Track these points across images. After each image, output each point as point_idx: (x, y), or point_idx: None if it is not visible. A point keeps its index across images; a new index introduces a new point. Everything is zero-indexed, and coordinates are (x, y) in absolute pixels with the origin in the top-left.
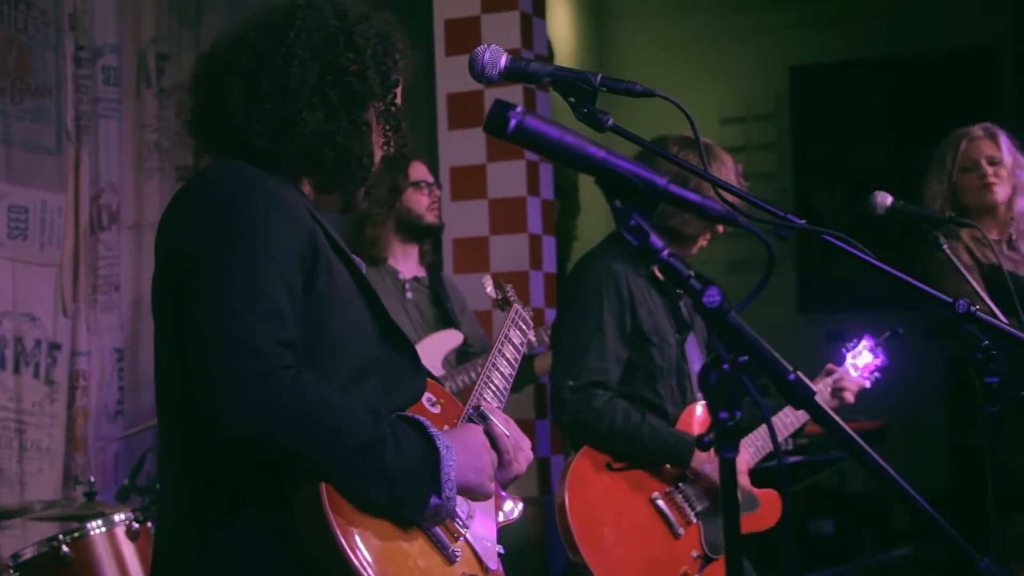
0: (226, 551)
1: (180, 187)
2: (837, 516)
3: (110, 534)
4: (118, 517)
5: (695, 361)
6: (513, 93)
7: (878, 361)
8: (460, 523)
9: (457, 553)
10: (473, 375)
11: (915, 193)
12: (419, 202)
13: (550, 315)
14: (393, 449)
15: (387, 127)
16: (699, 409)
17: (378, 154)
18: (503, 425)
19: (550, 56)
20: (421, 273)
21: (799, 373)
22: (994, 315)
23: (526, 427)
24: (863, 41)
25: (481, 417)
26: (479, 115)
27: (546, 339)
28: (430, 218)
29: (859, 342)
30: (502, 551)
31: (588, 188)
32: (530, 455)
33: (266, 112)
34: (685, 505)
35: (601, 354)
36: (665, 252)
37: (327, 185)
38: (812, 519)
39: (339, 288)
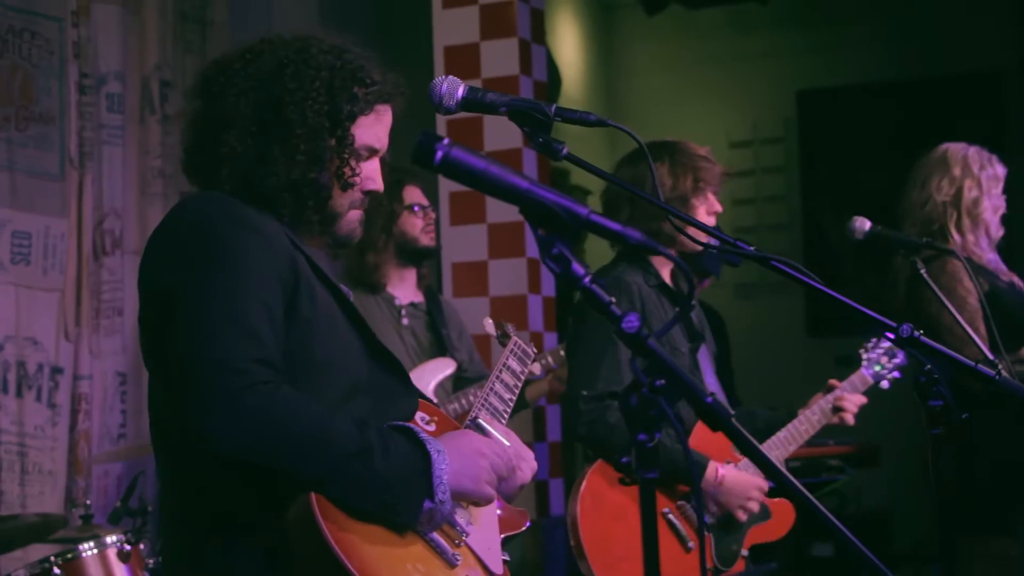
0: (223, 571)
1: (163, 218)
2: (837, 539)
3: (102, 556)
4: (110, 539)
5: (707, 371)
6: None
7: (897, 360)
8: (460, 529)
9: (458, 558)
10: (465, 403)
11: None
12: (414, 225)
13: (549, 339)
14: (382, 456)
15: (339, 163)
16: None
17: (335, 189)
18: (503, 437)
19: (556, 81)
20: (418, 298)
21: (716, 395)
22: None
23: None
24: (870, 65)
25: (478, 429)
26: (479, 141)
27: (550, 362)
28: (425, 241)
29: (877, 341)
30: (507, 558)
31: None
32: (534, 465)
33: (210, 142)
34: (695, 517)
35: (614, 364)
36: (587, 279)
37: (288, 216)
38: (812, 542)
39: (323, 312)
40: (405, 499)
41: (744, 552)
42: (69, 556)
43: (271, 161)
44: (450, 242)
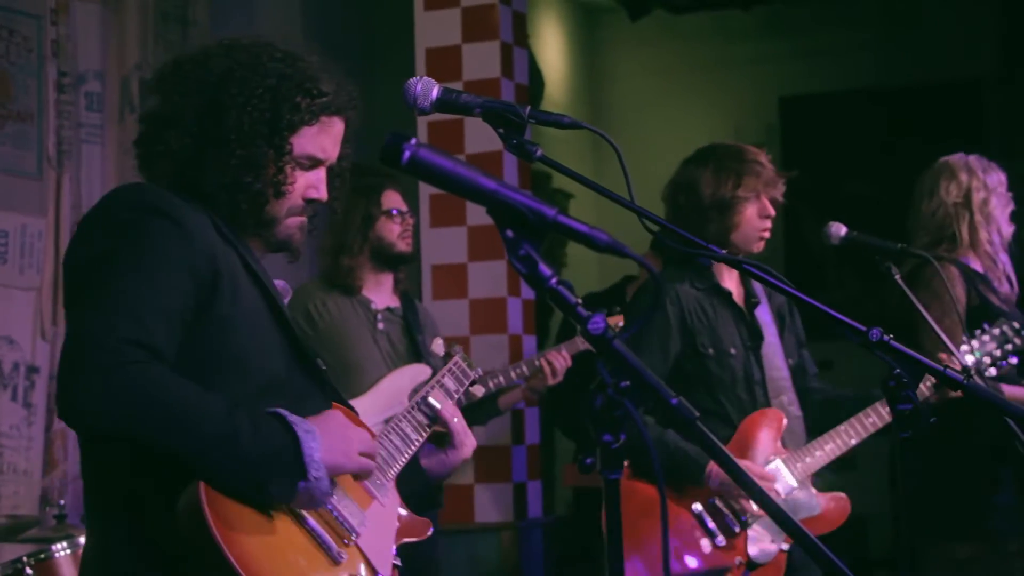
0: (109, 553)
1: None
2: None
3: (75, 556)
4: (83, 539)
5: (780, 368)
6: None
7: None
8: (349, 527)
9: (343, 555)
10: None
11: (902, 224)
12: (391, 230)
13: (528, 342)
14: (250, 436)
15: (275, 170)
16: (767, 416)
17: (271, 195)
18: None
19: (538, 85)
20: (395, 303)
21: (682, 398)
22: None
23: (502, 453)
24: (853, 73)
25: (428, 406)
26: (460, 144)
27: (524, 371)
28: (402, 246)
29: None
30: (399, 563)
31: (580, 215)
32: (474, 442)
33: (152, 138)
34: (728, 513)
35: (651, 358)
36: (553, 280)
37: (223, 215)
38: None
39: (245, 309)
40: (277, 479)
41: (784, 547)
42: (42, 556)
43: (205, 163)
44: (430, 244)
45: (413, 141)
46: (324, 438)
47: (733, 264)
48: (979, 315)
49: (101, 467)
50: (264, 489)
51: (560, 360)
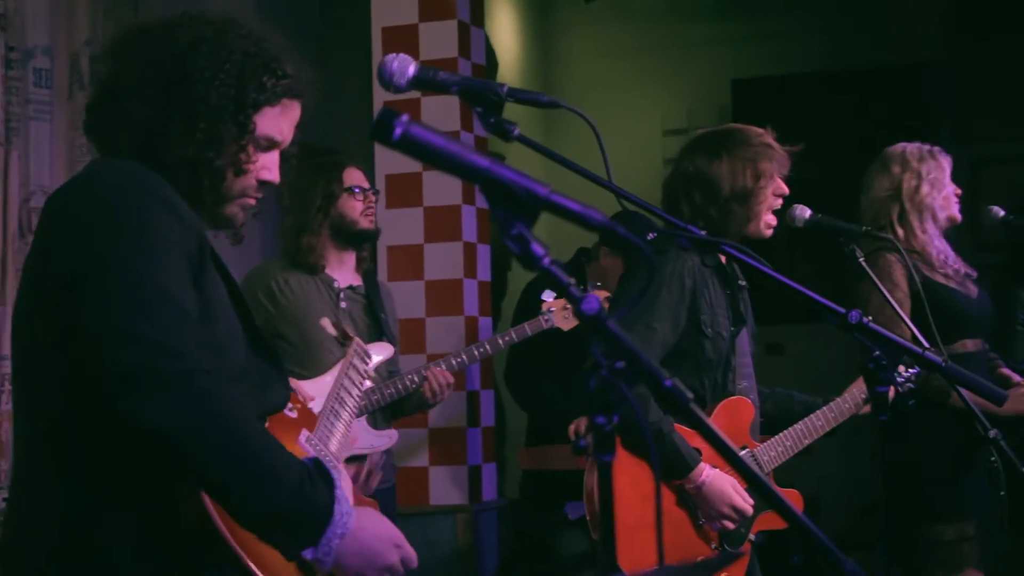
0: (101, 543)
1: (69, 181)
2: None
3: None
4: None
5: (745, 354)
6: (451, 101)
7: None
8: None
9: None
10: (401, 387)
11: (853, 206)
12: (353, 208)
13: (484, 324)
14: (296, 487)
15: (236, 148)
16: (740, 405)
17: (229, 173)
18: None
19: (493, 65)
20: (357, 281)
21: (676, 380)
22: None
23: (457, 435)
24: (804, 55)
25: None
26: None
27: (476, 355)
28: (365, 223)
29: None
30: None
31: None
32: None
33: (110, 105)
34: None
35: (648, 342)
36: (546, 260)
37: (183, 192)
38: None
39: (219, 294)
40: (291, 535)
41: (752, 536)
42: None
43: (170, 135)
44: (386, 225)
45: (405, 117)
46: (355, 537)
47: (714, 247)
48: (921, 299)
49: (101, 448)
50: (272, 535)
51: (439, 380)
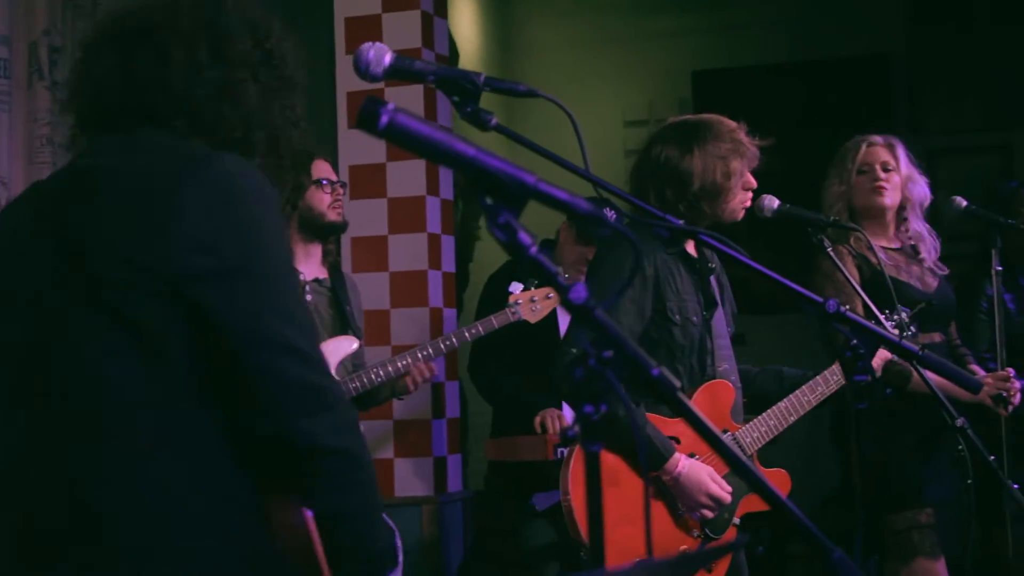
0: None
1: (183, 170)
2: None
3: None
4: None
5: (723, 336)
6: (414, 92)
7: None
8: None
9: None
10: (367, 380)
11: (812, 197)
12: (321, 200)
13: (448, 315)
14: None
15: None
16: (719, 388)
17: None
18: None
19: (454, 57)
20: (323, 275)
21: (663, 369)
22: (873, 317)
23: (422, 427)
24: (765, 47)
25: None
26: None
27: (443, 348)
28: (332, 216)
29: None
30: None
31: None
32: None
33: (208, 80)
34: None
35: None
36: (533, 249)
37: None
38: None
39: None
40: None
41: (736, 521)
42: None
43: (266, 109)
44: (350, 216)
45: (391, 106)
46: None
47: (691, 235)
48: (876, 287)
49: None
50: (355, 569)
51: (423, 373)
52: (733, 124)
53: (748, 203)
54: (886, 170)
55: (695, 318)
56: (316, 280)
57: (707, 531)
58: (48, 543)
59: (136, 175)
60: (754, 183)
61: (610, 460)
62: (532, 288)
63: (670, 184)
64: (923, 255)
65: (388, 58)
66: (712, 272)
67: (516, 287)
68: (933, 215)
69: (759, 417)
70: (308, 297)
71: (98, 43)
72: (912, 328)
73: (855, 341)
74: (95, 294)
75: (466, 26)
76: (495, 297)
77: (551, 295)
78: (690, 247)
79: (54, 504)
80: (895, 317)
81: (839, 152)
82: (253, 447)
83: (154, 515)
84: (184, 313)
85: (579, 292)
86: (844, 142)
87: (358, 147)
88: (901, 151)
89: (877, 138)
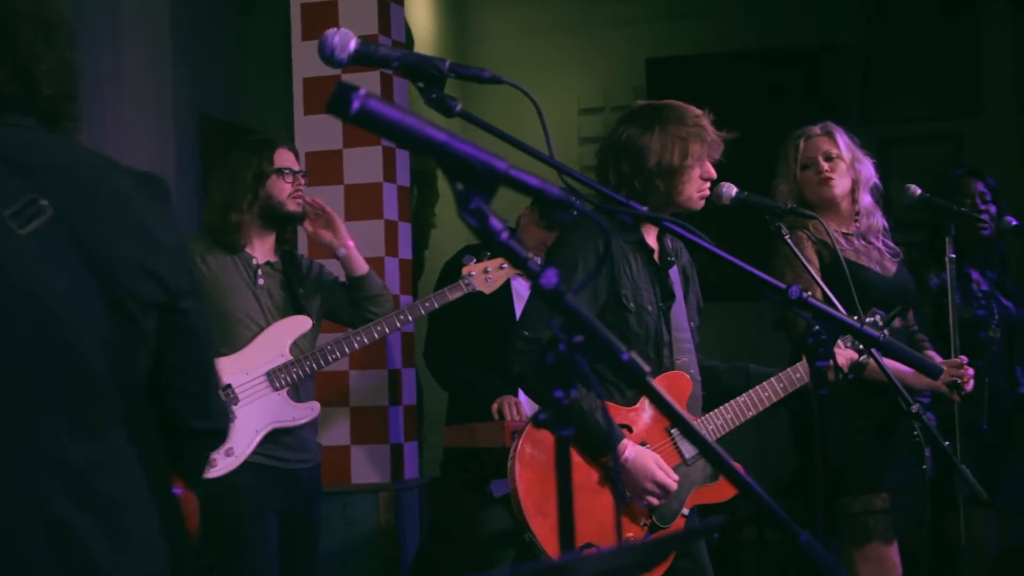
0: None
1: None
2: None
3: None
4: None
5: (683, 329)
6: (371, 79)
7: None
8: None
9: None
10: (322, 361)
11: (767, 185)
12: (282, 189)
13: (405, 301)
14: None
15: None
16: (675, 379)
17: None
18: None
19: (410, 43)
20: (275, 258)
21: (633, 353)
22: (830, 303)
23: (379, 414)
24: (719, 35)
25: None
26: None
27: (397, 324)
28: (292, 206)
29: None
30: None
31: None
32: None
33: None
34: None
35: None
36: (504, 234)
37: None
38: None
39: None
40: None
41: (685, 511)
42: None
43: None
44: None
45: (363, 91)
46: None
47: (655, 222)
48: (834, 273)
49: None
50: None
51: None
52: (699, 112)
53: (706, 193)
54: (829, 159)
55: (650, 307)
56: (268, 263)
57: (655, 520)
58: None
59: None
60: (713, 174)
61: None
62: (485, 259)
63: (628, 159)
64: (863, 228)
65: (353, 44)
66: (672, 264)
67: (469, 259)
68: (885, 203)
69: (716, 410)
70: (260, 281)
71: None
72: (886, 331)
73: (816, 327)
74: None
75: (421, 13)
76: (451, 282)
77: (504, 265)
78: (650, 239)
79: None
80: (869, 319)
81: (782, 149)
82: None
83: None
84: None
85: (550, 277)
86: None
87: (314, 133)
88: (840, 136)
89: (814, 129)
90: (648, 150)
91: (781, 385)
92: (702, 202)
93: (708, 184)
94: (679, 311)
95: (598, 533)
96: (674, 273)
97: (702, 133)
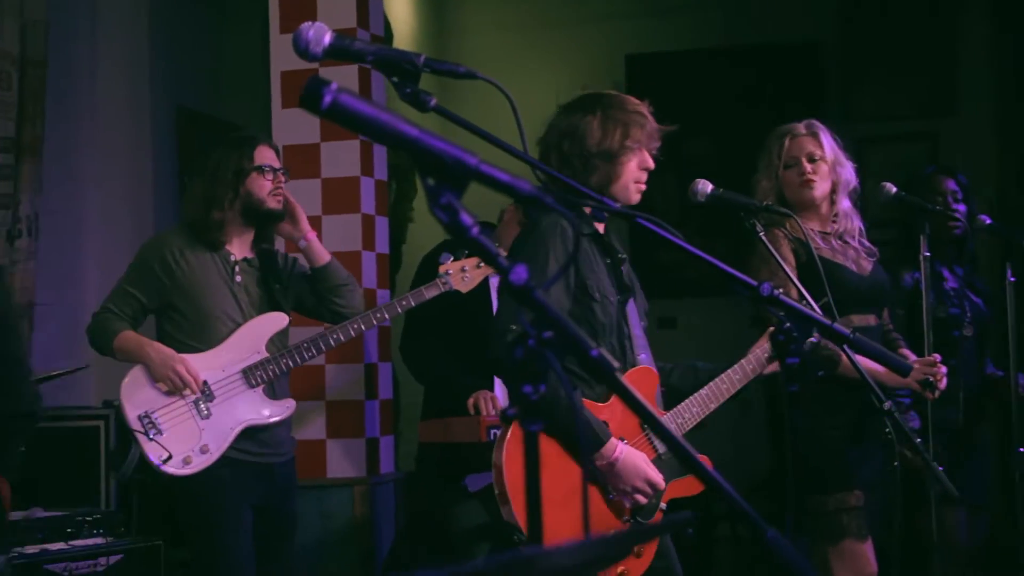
0: None
1: None
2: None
3: None
4: None
5: (635, 325)
6: (349, 72)
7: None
8: None
9: None
10: (299, 359)
11: (744, 182)
12: (262, 187)
13: (383, 296)
14: None
15: None
16: (644, 374)
17: None
18: None
19: (389, 37)
20: (251, 254)
21: (602, 349)
22: (805, 301)
23: (355, 407)
24: (698, 32)
25: None
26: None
27: (374, 321)
28: (272, 204)
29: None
30: None
31: None
32: None
33: None
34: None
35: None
36: (474, 229)
37: None
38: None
39: None
40: None
41: (662, 506)
42: None
43: None
44: None
45: (334, 86)
46: None
47: (625, 216)
48: (810, 272)
49: None
50: None
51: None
52: (639, 101)
53: (643, 187)
54: (812, 161)
55: (612, 298)
56: (245, 260)
57: (637, 516)
58: None
59: None
60: (651, 164)
61: (544, 442)
62: (462, 258)
63: (569, 139)
64: (840, 229)
65: (328, 38)
66: (623, 261)
67: (446, 258)
68: (861, 202)
69: (682, 404)
70: (238, 278)
71: None
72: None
73: (788, 324)
74: None
75: (401, 7)
76: (428, 277)
77: (481, 264)
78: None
79: None
80: (823, 300)
81: (765, 146)
82: None
83: None
84: None
85: (519, 273)
86: (776, 127)
87: (292, 127)
88: (824, 136)
89: (800, 127)
90: (589, 131)
91: (738, 375)
92: (638, 196)
93: (645, 176)
94: (632, 308)
95: (580, 531)
96: (626, 269)
97: (642, 120)
